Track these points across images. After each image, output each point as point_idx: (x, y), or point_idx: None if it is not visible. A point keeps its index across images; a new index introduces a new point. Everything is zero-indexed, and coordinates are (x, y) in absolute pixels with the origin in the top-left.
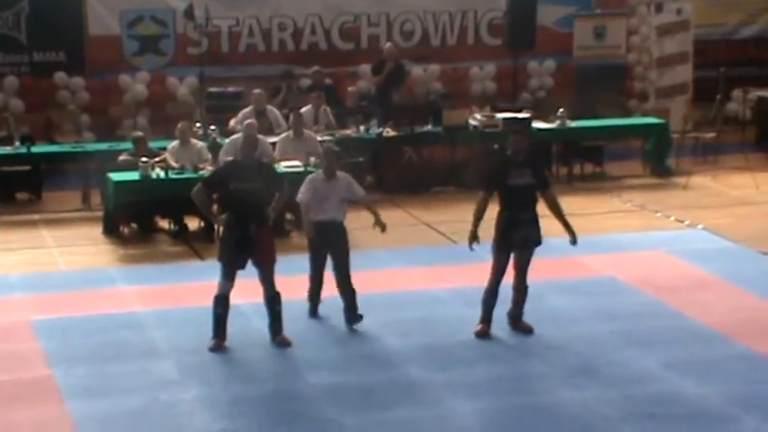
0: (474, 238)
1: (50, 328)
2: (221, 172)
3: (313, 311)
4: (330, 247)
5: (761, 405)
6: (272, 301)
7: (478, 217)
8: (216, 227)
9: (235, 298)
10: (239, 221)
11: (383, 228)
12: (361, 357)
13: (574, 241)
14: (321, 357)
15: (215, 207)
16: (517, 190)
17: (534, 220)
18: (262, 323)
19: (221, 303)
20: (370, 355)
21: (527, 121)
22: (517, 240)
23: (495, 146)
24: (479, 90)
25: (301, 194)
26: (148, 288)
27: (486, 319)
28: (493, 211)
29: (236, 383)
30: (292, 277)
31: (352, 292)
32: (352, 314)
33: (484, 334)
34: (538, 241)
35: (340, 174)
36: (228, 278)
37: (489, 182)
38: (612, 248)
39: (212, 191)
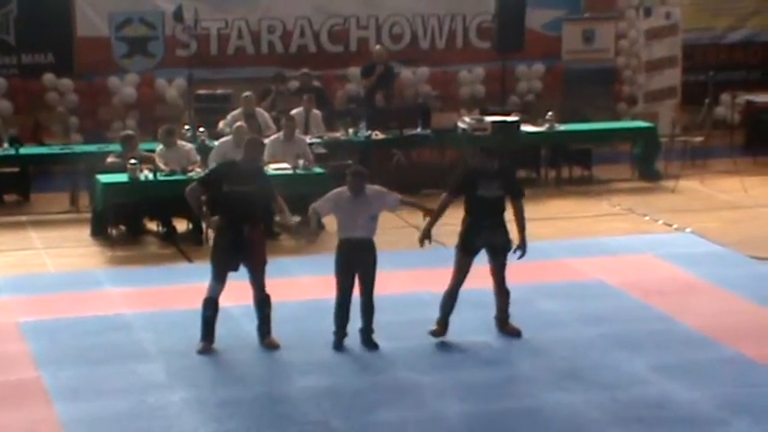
0: (426, 235)
1: (38, 330)
2: (217, 172)
3: (338, 344)
4: (358, 265)
5: (749, 409)
6: (262, 303)
7: (438, 216)
8: (205, 228)
9: (224, 300)
10: (232, 224)
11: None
12: (350, 360)
13: (521, 256)
14: (310, 360)
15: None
16: (484, 201)
17: (499, 225)
18: (251, 326)
19: (210, 306)
20: (359, 358)
21: (515, 124)
22: (479, 244)
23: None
24: (468, 93)
25: (318, 205)
26: (137, 290)
27: (442, 322)
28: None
29: (224, 386)
30: (282, 280)
31: (372, 313)
32: (368, 337)
33: (438, 334)
34: (505, 246)
35: (369, 189)
36: (219, 280)
37: (457, 187)
38: (601, 252)
39: (207, 190)
